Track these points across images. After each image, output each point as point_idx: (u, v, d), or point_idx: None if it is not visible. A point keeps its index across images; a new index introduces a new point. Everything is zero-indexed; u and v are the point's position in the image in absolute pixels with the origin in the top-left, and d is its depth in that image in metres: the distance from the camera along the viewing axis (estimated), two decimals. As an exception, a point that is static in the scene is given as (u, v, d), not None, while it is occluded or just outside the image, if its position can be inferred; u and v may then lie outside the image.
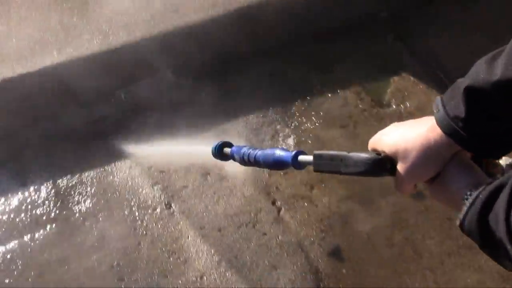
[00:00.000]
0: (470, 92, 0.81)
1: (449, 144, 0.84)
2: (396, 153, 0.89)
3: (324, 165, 1.02)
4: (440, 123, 0.85)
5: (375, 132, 0.97)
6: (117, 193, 2.39)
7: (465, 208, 0.77)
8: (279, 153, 1.20)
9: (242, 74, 2.72)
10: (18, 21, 2.68)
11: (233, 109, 2.60)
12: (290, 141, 2.49)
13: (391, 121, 0.97)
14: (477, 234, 0.75)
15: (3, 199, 2.41)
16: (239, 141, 1.79)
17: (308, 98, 2.63)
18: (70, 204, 2.37)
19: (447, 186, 0.85)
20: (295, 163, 1.13)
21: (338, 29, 2.82)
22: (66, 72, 2.48)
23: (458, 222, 0.78)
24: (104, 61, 2.53)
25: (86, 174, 2.45)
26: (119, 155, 2.49)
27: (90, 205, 2.35)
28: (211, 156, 1.55)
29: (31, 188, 2.43)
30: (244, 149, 1.35)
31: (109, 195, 2.38)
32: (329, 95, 2.63)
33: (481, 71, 0.81)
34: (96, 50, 2.52)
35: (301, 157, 1.13)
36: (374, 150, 0.95)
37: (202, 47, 2.67)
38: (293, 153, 1.14)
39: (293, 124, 2.55)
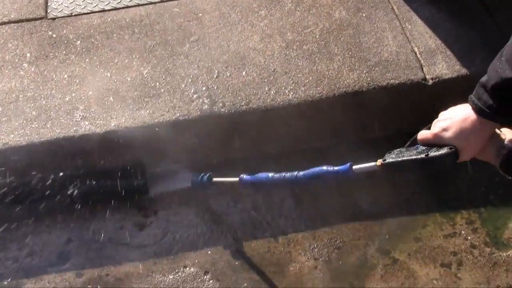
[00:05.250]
0: (496, 89, 1.16)
1: (491, 126, 1.23)
2: (459, 144, 1.27)
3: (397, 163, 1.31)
4: (481, 114, 1.21)
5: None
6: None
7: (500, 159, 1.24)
8: (329, 168, 1.49)
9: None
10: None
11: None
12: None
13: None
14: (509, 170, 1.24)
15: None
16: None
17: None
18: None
19: (490, 151, 1.27)
20: (350, 172, 1.42)
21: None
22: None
23: (499, 166, 1.26)
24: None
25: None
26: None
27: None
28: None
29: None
30: (273, 174, 1.67)
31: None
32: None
33: (498, 69, 1.15)
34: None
35: (356, 166, 1.41)
36: (433, 144, 1.29)
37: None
38: (348, 164, 1.42)
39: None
